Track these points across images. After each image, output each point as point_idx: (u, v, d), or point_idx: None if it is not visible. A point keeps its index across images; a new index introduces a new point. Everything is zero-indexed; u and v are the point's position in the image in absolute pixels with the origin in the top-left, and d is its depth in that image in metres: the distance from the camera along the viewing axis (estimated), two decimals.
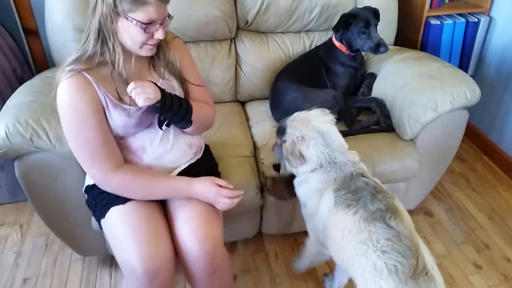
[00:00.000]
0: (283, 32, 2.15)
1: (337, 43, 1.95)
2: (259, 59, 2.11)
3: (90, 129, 1.25)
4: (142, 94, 1.22)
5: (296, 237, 2.00)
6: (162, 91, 1.27)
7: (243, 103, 2.22)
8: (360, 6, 2.00)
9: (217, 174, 1.59)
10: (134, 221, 1.28)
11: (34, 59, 2.28)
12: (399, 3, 2.21)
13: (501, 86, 2.35)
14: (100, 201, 1.36)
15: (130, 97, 1.24)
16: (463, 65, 2.48)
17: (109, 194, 1.34)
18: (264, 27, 2.09)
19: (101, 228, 1.40)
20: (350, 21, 1.88)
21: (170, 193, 1.36)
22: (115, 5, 1.17)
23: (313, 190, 1.41)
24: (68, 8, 1.85)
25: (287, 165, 1.49)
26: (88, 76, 1.24)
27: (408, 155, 1.77)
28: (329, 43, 2.00)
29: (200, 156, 1.52)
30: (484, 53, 2.46)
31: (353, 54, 1.96)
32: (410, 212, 2.07)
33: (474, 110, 2.54)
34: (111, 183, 1.31)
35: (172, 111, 1.30)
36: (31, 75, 2.15)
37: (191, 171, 1.43)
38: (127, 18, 1.19)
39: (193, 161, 1.48)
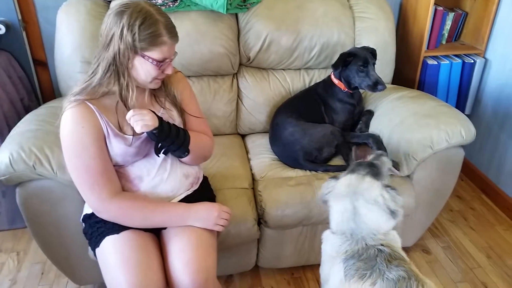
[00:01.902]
0: (283, 69, 2.22)
1: (335, 81, 2.01)
2: (260, 94, 2.17)
3: (90, 157, 1.28)
4: (140, 121, 1.26)
5: (293, 272, 1.99)
6: (160, 119, 1.32)
7: (243, 136, 2.26)
8: (358, 46, 2.07)
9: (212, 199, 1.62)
10: (126, 251, 1.29)
11: (41, 89, 2.35)
12: (397, 43, 2.28)
13: (497, 125, 2.40)
14: (96, 230, 1.38)
15: (131, 126, 1.29)
16: (460, 104, 2.54)
17: (105, 223, 1.36)
18: (266, 64, 2.16)
19: (96, 257, 1.41)
20: (349, 60, 1.93)
21: (168, 217, 1.38)
22: (133, 45, 1.24)
23: (327, 255, 1.33)
24: (77, 41, 1.93)
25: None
26: (91, 106, 1.29)
27: (404, 192, 1.79)
28: (328, 81, 2.06)
29: (197, 187, 1.54)
30: (480, 93, 2.52)
31: (351, 92, 2.02)
32: (407, 249, 2.09)
33: (472, 149, 2.57)
34: (109, 210, 1.33)
35: (169, 139, 1.34)
36: (38, 105, 2.22)
37: (188, 202, 1.45)
38: (143, 57, 1.26)
39: (189, 192, 1.50)
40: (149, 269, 1.28)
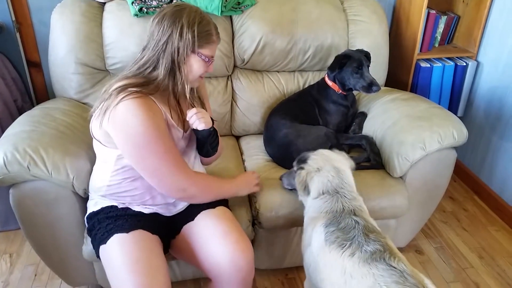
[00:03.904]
0: (278, 71, 2.23)
1: (330, 83, 2.02)
2: (254, 96, 2.18)
3: (170, 138, 1.35)
4: (202, 119, 1.39)
5: (287, 273, 2.00)
6: (211, 119, 1.45)
7: (237, 138, 2.27)
8: (352, 49, 2.08)
9: (225, 201, 1.63)
10: (134, 251, 1.30)
11: (35, 90, 2.34)
12: (390, 46, 2.30)
13: (489, 127, 2.42)
14: (105, 226, 1.38)
15: (186, 122, 1.42)
16: (452, 106, 2.56)
17: (115, 220, 1.37)
18: (260, 66, 2.17)
19: (96, 255, 1.41)
20: (344, 62, 1.95)
21: (230, 187, 1.54)
22: (193, 42, 1.31)
23: (309, 219, 1.44)
24: (71, 43, 1.93)
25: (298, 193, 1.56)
26: (153, 98, 1.33)
27: (397, 193, 1.81)
28: (322, 83, 2.07)
29: None
30: (472, 96, 2.54)
31: (345, 93, 2.03)
32: (401, 249, 2.09)
33: (465, 151, 2.60)
34: (196, 182, 1.40)
35: (213, 137, 1.47)
36: (31, 106, 2.21)
37: None
38: (197, 54, 1.35)
39: None
40: (156, 271, 1.28)
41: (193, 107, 1.46)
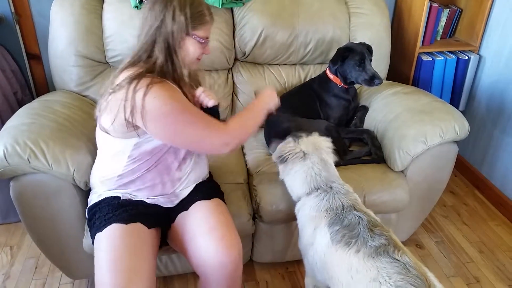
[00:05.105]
0: (279, 64, 2.22)
1: (331, 76, 2.01)
2: (255, 89, 2.16)
3: (193, 106, 1.35)
4: (211, 96, 1.45)
5: (288, 266, 2.00)
6: None
7: None
8: (354, 42, 2.07)
9: (221, 194, 1.63)
10: (119, 248, 1.28)
11: (35, 83, 2.33)
12: (392, 39, 2.29)
13: (491, 122, 2.41)
14: (105, 215, 1.37)
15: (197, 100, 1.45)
16: (454, 100, 2.55)
17: (116, 210, 1.36)
18: (261, 59, 2.16)
19: (93, 244, 1.40)
20: (346, 55, 1.94)
21: (258, 108, 1.48)
22: (186, 24, 1.30)
23: (307, 218, 1.43)
24: (71, 35, 1.92)
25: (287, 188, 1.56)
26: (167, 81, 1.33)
27: (398, 187, 1.80)
28: (323, 76, 2.06)
29: (208, 175, 1.64)
30: (474, 90, 2.53)
31: (346, 87, 2.02)
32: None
33: (466, 145, 2.59)
34: (236, 132, 1.38)
35: (218, 116, 1.48)
36: (31, 98, 2.20)
37: (201, 187, 1.53)
38: (192, 36, 1.34)
39: (206, 177, 1.59)
40: (137, 274, 1.26)
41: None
